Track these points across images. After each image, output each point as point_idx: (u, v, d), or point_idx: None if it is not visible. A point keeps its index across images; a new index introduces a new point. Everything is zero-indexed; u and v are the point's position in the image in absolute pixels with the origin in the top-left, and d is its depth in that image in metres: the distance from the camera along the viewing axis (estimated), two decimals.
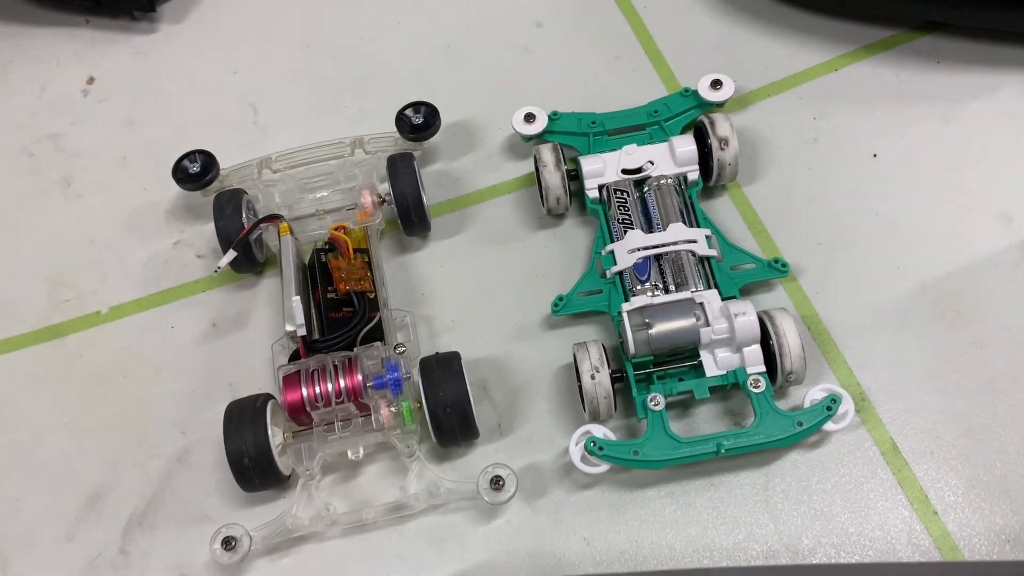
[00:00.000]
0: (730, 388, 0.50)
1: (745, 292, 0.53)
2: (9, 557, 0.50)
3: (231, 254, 0.52)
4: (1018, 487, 0.48)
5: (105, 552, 0.50)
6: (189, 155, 0.57)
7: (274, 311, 0.56)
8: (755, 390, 0.48)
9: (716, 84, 0.57)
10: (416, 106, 0.57)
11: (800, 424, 0.47)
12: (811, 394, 0.48)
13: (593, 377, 0.48)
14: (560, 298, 0.53)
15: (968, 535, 0.47)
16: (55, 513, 0.51)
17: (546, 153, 0.55)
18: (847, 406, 0.48)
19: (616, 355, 0.51)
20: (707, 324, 0.48)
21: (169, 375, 0.55)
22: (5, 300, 0.58)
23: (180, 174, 0.56)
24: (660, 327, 0.48)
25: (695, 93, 0.58)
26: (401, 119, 0.57)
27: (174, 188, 0.57)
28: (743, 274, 0.53)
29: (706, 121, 0.55)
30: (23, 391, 0.55)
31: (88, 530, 0.50)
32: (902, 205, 0.56)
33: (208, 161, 0.56)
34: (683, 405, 0.51)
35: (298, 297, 0.49)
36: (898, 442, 0.49)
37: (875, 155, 0.58)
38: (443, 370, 0.48)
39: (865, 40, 0.62)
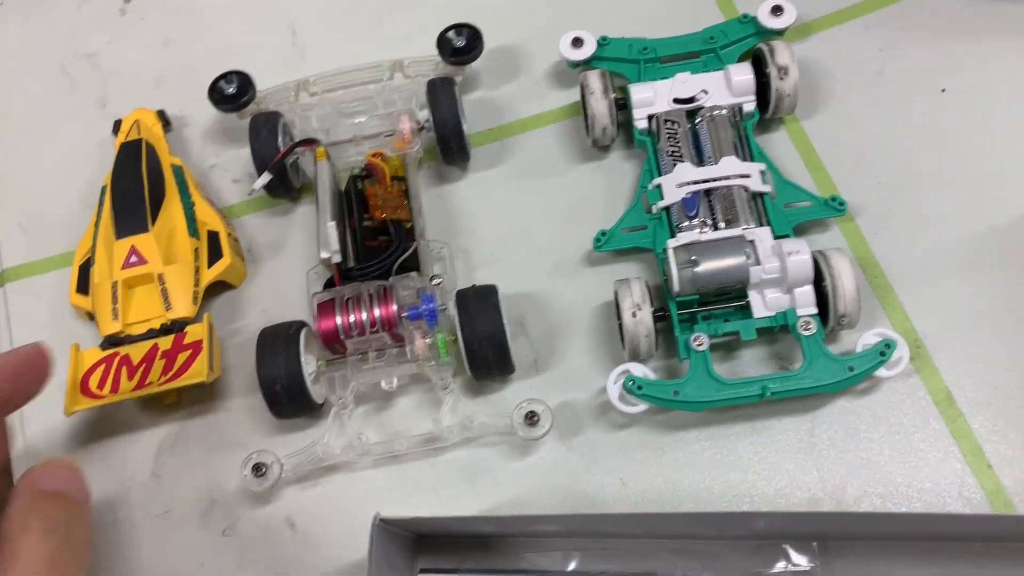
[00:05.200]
0: (777, 331, 0.47)
1: (799, 231, 0.50)
2: None
3: (267, 176, 0.50)
4: None
5: (137, 474, 0.50)
6: (226, 76, 0.55)
7: (309, 238, 0.54)
8: (805, 332, 0.45)
9: (777, 10, 0.54)
10: (458, 28, 0.55)
11: (851, 369, 0.45)
12: (864, 339, 0.46)
13: (635, 315, 0.46)
14: (603, 233, 0.51)
15: None
16: None
17: (593, 80, 0.52)
18: (901, 352, 0.45)
19: (660, 294, 0.49)
20: (757, 263, 0.46)
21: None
22: (43, 222, 0.57)
23: (216, 95, 0.55)
24: (707, 265, 0.46)
25: (754, 19, 0.54)
26: (443, 41, 0.55)
27: (209, 110, 0.55)
28: (798, 212, 0.50)
29: (765, 49, 0.52)
30: (57, 306, 0.54)
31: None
32: (971, 143, 0.52)
33: (244, 82, 0.55)
34: (727, 348, 0.49)
35: (333, 223, 0.48)
36: (953, 392, 0.47)
37: (943, 90, 0.54)
38: (480, 302, 0.47)
39: None
